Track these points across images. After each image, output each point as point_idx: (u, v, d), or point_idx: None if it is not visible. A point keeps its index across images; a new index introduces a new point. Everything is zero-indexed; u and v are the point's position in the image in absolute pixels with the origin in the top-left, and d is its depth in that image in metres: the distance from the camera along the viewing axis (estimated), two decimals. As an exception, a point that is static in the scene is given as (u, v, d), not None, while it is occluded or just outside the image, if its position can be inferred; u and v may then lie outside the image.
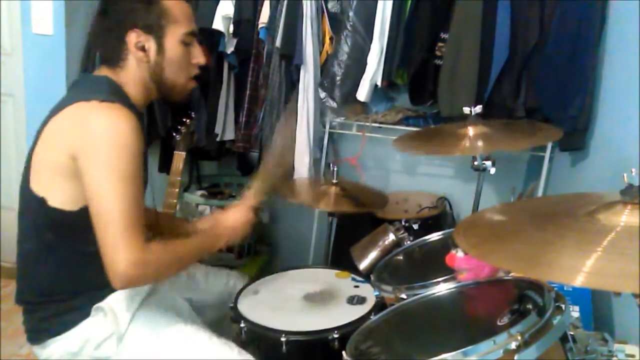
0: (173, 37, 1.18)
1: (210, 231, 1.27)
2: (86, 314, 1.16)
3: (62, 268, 1.16)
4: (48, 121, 1.11)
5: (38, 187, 1.10)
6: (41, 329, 1.18)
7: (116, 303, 1.17)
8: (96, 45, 1.21)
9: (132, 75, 1.18)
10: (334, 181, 1.81)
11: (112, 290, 1.15)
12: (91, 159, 1.04)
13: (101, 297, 1.17)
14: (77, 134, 1.06)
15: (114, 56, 1.17)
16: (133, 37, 1.15)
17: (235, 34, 2.14)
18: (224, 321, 1.48)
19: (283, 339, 1.22)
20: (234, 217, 1.31)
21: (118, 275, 1.02)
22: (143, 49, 1.16)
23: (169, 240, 1.12)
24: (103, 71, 1.18)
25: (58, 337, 1.16)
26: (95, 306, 1.16)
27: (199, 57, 1.24)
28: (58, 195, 1.09)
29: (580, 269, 0.71)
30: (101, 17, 1.18)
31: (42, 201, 1.09)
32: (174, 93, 1.25)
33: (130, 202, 1.04)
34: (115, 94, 1.14)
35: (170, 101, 1.28)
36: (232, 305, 1.37)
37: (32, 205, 1.11)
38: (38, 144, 1.11)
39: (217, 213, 1.41)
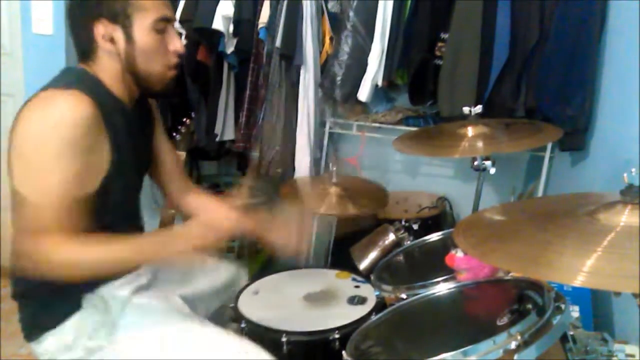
0: (142, 25, 1.12)
1: (164, 236, 1.16)
2: (77, 306, 1.15)
3: None
4: (17, 116, 1.10)
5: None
6: (35, 324, 1.17)
7: (107, 293, 1.16)
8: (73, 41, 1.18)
9: (106, 68, 1.14)
10: (334, 181, 1.80)
11: (102, 280, 1.15)
12: (23, 140, 1.05)
13: (91, 287, 1.16)
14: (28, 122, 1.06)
15: (86, 50, 1.14)
16: (100, 29, 1.11)
17: (235, 34, 2.14)
18: (221, 313, 1.47)
19: (284, 339, 1.22)
20: (210, 219, 1.18)
21: (22, 256, 0.99)
22: (112, 40, 1.12)
23: (99, 242, 1.03)
24: (80, 65, 1.16)
25: (52, 331, 1.15)
26: (86, 297, 1.15)
27: (175, 43, 1.18)
28: None
29: (580, 269, 0.71)
30: (71, 10, 1.15)
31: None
32: (151, 84, 1.18)
33: (53, 191, 1.02)
34: (83, 82, 1.10)
35: (152, 94, 1.23)
36: (232, 305, 1.37)
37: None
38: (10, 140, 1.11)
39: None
